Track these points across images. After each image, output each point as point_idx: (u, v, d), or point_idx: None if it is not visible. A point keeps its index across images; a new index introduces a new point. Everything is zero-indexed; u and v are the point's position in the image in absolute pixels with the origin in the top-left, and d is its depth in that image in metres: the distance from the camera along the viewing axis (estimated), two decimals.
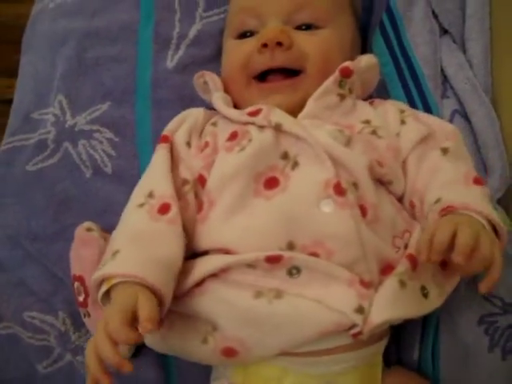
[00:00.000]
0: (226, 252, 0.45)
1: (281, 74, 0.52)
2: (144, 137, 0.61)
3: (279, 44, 0.50)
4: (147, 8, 0.67)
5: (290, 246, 0.44)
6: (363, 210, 0.45)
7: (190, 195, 0.49)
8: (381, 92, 0.60)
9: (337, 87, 0.51)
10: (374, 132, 0.50)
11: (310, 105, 0.50)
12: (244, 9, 0.56)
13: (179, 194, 0.48)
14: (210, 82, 0.56)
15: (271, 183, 0.46)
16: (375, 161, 0.47)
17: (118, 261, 0.42)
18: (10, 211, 0.62)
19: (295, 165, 0.47)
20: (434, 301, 0.46)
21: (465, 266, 0.39)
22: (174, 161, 0.51)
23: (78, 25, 0.67)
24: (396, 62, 0.60)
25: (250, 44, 0.53)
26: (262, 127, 0.48)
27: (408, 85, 0.59)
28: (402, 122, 0.52)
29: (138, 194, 0.49)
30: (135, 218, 0.47)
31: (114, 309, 0.39)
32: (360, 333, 0.41)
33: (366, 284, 0.43)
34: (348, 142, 0.47)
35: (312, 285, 0.43)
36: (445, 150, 0.49)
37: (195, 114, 0.55)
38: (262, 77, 0.53)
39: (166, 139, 0.52)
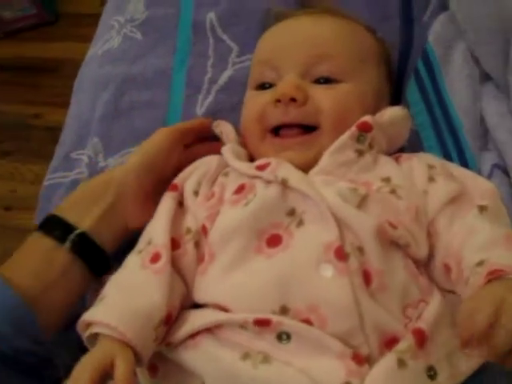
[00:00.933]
0: (221, 308, 0.44)
1: (296, 129, 0.51)
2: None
3: (293, 100, 0.49)
4: (182, 54, 0.69)
5: (283, 310, 0.42)
6: (367, 277, 0.42)
7: (190, 244, 0.48)
8: (414, 143, 0.56)
9: (354, 142, 0.48)
10: (393, 191, 0.46)
11: (325, 160, 0.48)
12: (262, 61, 0.55)
13: (180, 243, 0.48)
14: (223, 133, 0.56)
15: (274, 241, 0.44)
16: (388, 222, 0.44)
17: (101, 307, 0.43)
18: None
19: (300, 223, 0.45)
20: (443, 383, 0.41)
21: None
22: (182, 209, 0.51)
23: (119, 70, 0.71)
24: (431, 111, 0.56)
25: (266, 97, 0.52)
26: (268, 182, 0.47)
27: (443, 136, 0.54)
28: (431, 180, 0.48)
29: (141, 240, 0.50)
30: (129, 264, 0.48)
31: (86, 367, 0.39)
32: None
33: (359, 359, 0.39)
34: (361, 202, 0.45)
35: (301, 353, 0.40)
36: (482, 209, 0.45)
37: (208, 162, 0.54)
38: (277, 130, 0.52)
39: (174, 188, 0.52)
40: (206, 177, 0.52)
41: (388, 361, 0.39)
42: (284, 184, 0.46)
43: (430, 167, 0.49)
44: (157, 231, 0.49)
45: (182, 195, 0.52)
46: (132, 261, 0.48)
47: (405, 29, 0.62)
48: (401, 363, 0.39)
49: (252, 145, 0.54)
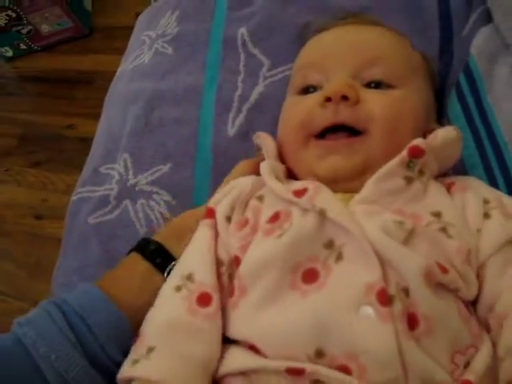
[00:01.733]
0: (253, 348, 0.41)
1: (343, 132, 0.46)
2: (201, 203, 0.57)
3: (344, 98, 0.45)
4: (212, 70, 0.67)
5: (319, 354, 0.38)
6: (413, 322, 0.38)
7: (225, 278, 0.45)
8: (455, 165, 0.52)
9: (403, 169, 0.44)
10: (443, 229, 0.42)
11: (369, 188, 0.44)
12: (308, 64, 0.52)
13: (220, 277, 0.45)
14: (263, 147, 0.52)
15: (310, 276, 0.40)
16: (437, 264, 0.39)
17: (153, 361, 0.40)
18: (69, 260, 0.65)
19: (339, 257, 0.40)
20: None
21: None
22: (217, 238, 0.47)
23: (148, 85, 0.71)
24: (473, 127, 0.52)
25: (312, 99, 0.48)
26: (305, 210, 0.43)
27: (487, 156, 0.51)
28: (486, 216, 0.43)
29: (177, 274, 0.46)
30: (171, 306, 0.43)
31: None
32: None
33: None
34: (408, 238, 0.40)
35: None
36: None
37: (243, 184, 0.50)
38: (322, 135, 0.47)
39: (210, 214, 0.48)
40: (239, 200, 0.48)
41: None
42: (322, 215, 0.41)
43: (486, 201, 0.44)
44: (200, 266, 0.45)
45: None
46: (172, 301, 0.44)
47: (445, 41, 0.60)
48: None
49: (292, 154, 0.50)
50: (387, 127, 0.45)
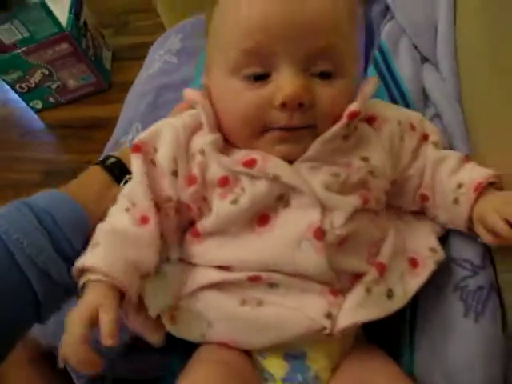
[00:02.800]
0: (222, 268, 0.50)
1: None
2: None
3: (301, 104, 0.45)
4: (201, 66, 0.90)
5: (272, 271, 0.49)
6: (342, 242, 0.49)
7: (171, 210, 0.51)
8: None
9: (343, 130, 0.48)
10: (371, 172, 0.51)
11: (315, 148, 0.48)
12: (251, 44, 0.45)
13: (160, 206, 0.51)
14: (205, 120, 0.50)
15: (263, 220, 0.49)
16: (362, 199, 0.50)
17: (96, 254, 0.46)
18: None
19: (286, 205, 0.49)
20: (398, 301, 0.50)
21: None
22: (158, 175, 0.51)
23: (157, 82, 0.95)
24: (386, 85, 0.73)
25: (263, 94, 0.46)
26: (254, 177, 0.48)
27: (396, 100, 0.71)
28: (401, 139, 0.54)
29: (123, 199, 0.51)
30: (119, 219, 0.50)
31: (78, 314, 0.41)
32: (330, 334, 0.47)
33: (335, 292, 0.48)
34: (342, 187, 0.49)
35: (289, 296, 0.49)
36: (435, 144, 0.56)
37: (173, 127, 0.52)
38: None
39: (138, 149, 0.51)
40: (179, 150, 0.51)
41: (358, 290, 0.49)
42: (275, 180, 0.47)
43: (399, 124, 0.54)
44: (138, 196, 0.50)
45: (149, 154, 0.52)
46: (122, 217, 0.49)
47: (369, 37, 0.83)
48: (368, 290, 0.48)
49: (239, 139, 0.51)
50: (332, 118, 0.48)
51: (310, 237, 0.47)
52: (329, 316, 0.47)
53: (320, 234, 0.47)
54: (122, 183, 0.55)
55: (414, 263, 0.53)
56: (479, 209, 0.50)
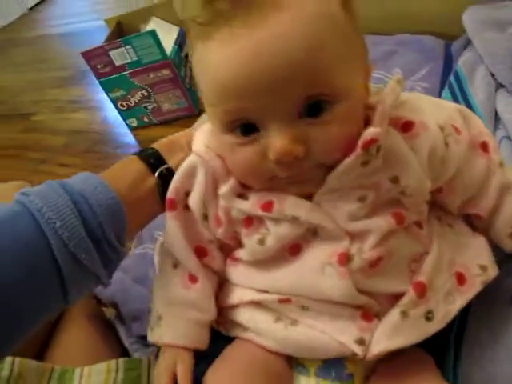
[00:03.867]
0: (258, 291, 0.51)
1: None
2: None
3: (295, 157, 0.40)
4: None
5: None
6: (374, 263, 0.45)
7: (216, 251, 0.53)
8: None
9: (361, 158, 0.41)
10: (402, 192, 0.45)
11: (331, 183, 0.43)
12: (232, 110, 0.40)
13: (207, 250, 0.52)
14: (218, 171, 0.47)
15: (295, 250, 0.48)
16: (396, 220, 0.45)
17: (165, 329, 0.52)
18: None
19: (315, 235, 0.47)
20: (438, 322, 0.46)
21: None
22: (195, 219, 0.51)
23: None
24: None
25: (256, 150, 0.41)
26: (276, 219, 0.46)
27: None
28: (446, 144, 0.46)
29: (168, 254, 0.54)
30: (171, 282, 0.53)
31: (161, 370, 0.50)
32: (363, 359, 0.46)
33: (368, 317, 0.46)
34: (371, 209, 0.45)
35: (321, 319, 0.48)
36: (501, 164, 0.50)
37: (202, 175, 0.49)
38: None
39: (172, 206, 0.51)
40: (207, 194, 0.49)
41: (393, 315, 0.45)
42: (296, 220, 0.45)
43: (441, 129, 0.46)
44: (182, 255, 0.52)
45: (183, 202, 0.51)
46: (173, 278, 0.53)
47: (448, 65, 0.88)
48: (404, 314, 0.45)
49: (251, 186, 0.47)
50: (338, 153, 0.41)
51: (333, 262, 0.45)
52: (361, 342, 0.46)
53: (344, 258, 0.45)
54: (156, 173, 0.54)
55: (461, 280, 0.48)
56: None
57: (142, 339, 0.68)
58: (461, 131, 0.47)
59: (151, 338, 0.54)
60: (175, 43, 1.97)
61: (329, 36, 0.38)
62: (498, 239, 0.53)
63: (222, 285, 0.55)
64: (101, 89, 1.98)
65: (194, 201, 0.50)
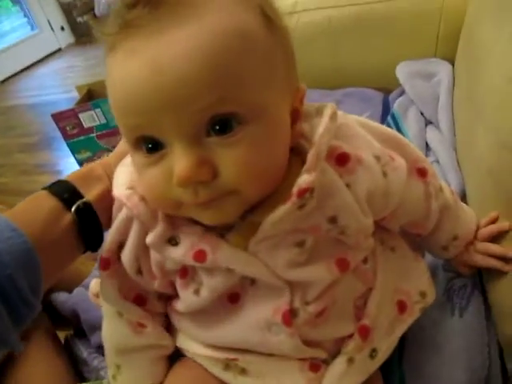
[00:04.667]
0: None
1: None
2: None
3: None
4: None
5: (245, 351, 0.48)
6: (320, 313, 0.45)
7: (155, 300, 0.51)
8: None
9: (296, 204, 0.38)
10: (342, 232, 0.42)
11: (265, 230, 0.40)
12: (131, 126, 0.38)
13: (146, 299, 0.50)
14: (141, 222, 0.44)
15: (233, 298, 0.46)
16: (338, 263, 0.43)
17: (125, 376, 0.53)
18: None
19: (253, 283, 0.45)
20: (381, 357, 0.48)
21: None
22: (127, 276, 0.48)
23: None
24: None
25: (161, 171, 0.38)
26: (210, 270, 0.43)
27: None
28: (384, 174, 0.44)
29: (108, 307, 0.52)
30: (121, 330, 0.51)
31: None
32: None
33: (315, 367, 0.46)
34: (312, 254, 0.43)
35: (269, 373, 0.47)
36: (434, 187, 0.51)
37: (136, 228, 0.45)
38: None
39: (106, 266, 0.47)
40: (139, 248, 0.45)
41: (339, 363, 0.46)
42: (231, 271, 0.43)
43: (377, 159, 0.44)
44: (123, 309, 0.50)
45: (117, 254, 0.47)
46: (121, 329, 0.51)
47: (385, 110, 1.00)
48: (350, 361, 0.46)
49: (163, 211, 0.43)
50: (255, 180, 0.37)
51: (279, 322, 0.43)
52: None
53: (289, 318, 0.43)
54: (73, 209, 0.46)
55: (402, 308, 0.50)
56: (464, 257, 0.58)
57: (99, 349, 0.69)
58: (396, 159, 0.46)
59: None
60: None
61: (237, 54, 0.35)
62: (431, 250, 0.60)
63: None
64: (66, 154, 2.05)
65: (126, 258, 0.46)
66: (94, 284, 0.66)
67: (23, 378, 0.64)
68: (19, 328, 0.40)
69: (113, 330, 0.53)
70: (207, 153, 0.36)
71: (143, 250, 0.46)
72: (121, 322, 0.51)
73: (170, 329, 0.53)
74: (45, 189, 0.47)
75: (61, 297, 0.78)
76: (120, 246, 0.47)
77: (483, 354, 0.55)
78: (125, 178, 0.45)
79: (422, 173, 0.50)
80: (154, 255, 0.45)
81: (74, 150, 2.04)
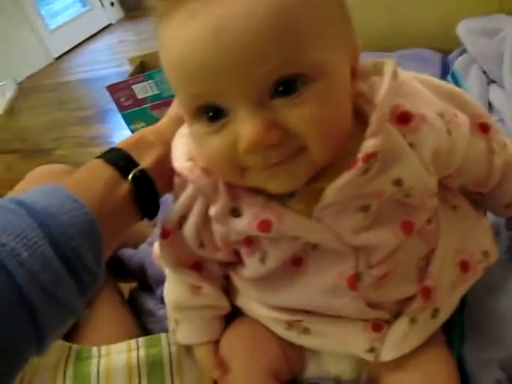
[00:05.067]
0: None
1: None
2: None
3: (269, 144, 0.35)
4: None
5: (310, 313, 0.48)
6: (383, 276, 0.44)
7: (215, 265, 0.52)
8: None
9: (362, 169, 0.38)
10: (406, 195, 0.42)
11: (330, 197, 0.39)
12: (195, 94, 0.37)
13: (202, 266, 0.52)
14: (203, 196, 0.45)
15: (297, 262, 0.46)
16: (402, 227, 0.43)
17: (184, 331, 0.55)
18: None
19: (316, 248, 0.44)
20: (443, 316, 0.48)
21: None
22: (185, 246, 0.49)
23: None
24: None
25: (225, 139, 0.37)
26: (275, 238, 0.44)
27: None
28: (448, 132, 0.42)
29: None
30: (181, 290, 0.53)
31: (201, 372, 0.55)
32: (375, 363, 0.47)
33: (378, 327, 0.47)
34: (376, 218, 0.42)
35: (334, 329, 0.48)
36: (499, 144, 0.49)
37: (199, 204, 0.46)
38: None
39: (166, 235, 0.49)
40: (202, 223, 0.46)
41: (402, 323, 0.46)
42: (297, 239, 0.43)
43: (441, 116, 0.42)
44: (179, 276, 0.52)
45: (178, 224, 0.48)
46: (180, 288, 0.53)
47: (443, 71, 0.98)
48: (412, 321, 0.46)
49: (230, 181, 0.42)
50: (322, 137, 0.36)
51: (343, 285, 0.44)
52: (371, 350, 0.47)
53: (354, 282, 0.44)
54: (129, 177, 0.46)
55: (464, 268, 0.49)
56: None
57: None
58: (459, 115, 0.45)
59: (177, 340, 0.56)
60: None
61: (300, 9, 0.34)
62: (492, 208, 0.57)
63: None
64: (120, 126, 2.11)
65: (188, 232, 0.48)
66: (157, 247, 0.70)
67: (91, 333, 0.66)
68: (85, 297, 0.41)
69: (172, 288, 0.55)
70: (273, 115, 0.35)
71: (205, 224, 0.47)
72: (180, 282, 0.53)
73: (229, 289, 0.55)
74: (99, 157, 0.47)
75: (128, 252, 0.82)
76: (182, 217, 0.48)
77: None
78: (183, 149, 0.45)
79: (484, 128, 0.48)
80: (217, 228, 0.46)
81: (129, 121, 2.10)
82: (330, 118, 0.36)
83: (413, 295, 0.46)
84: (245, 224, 0.42)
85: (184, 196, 0.47)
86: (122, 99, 2.01)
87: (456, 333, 0.55)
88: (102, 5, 4.30)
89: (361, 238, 0.42)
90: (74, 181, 0.45)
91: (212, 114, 0.37)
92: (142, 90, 2.01)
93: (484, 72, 0.88)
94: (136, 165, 0.47)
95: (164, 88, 1.97)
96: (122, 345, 0.59)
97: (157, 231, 0.86)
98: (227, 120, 0.37)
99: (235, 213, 0.43)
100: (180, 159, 0.44)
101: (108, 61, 3.46)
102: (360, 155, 0.37)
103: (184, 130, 0.47)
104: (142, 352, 0.59)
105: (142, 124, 2.12)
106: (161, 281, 0.72)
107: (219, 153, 0.38)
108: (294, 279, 0.46)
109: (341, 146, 0.38)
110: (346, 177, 0.38)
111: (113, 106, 1.98)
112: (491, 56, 0.87)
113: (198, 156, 0.43)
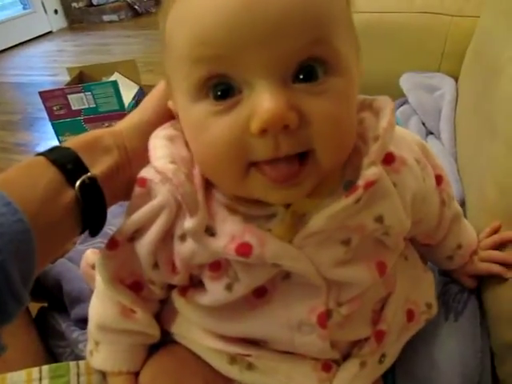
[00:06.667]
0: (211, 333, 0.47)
1: (286, 160, 0.34)
2: None
3: (285, 126, 0.32)
4: None
5: (264, 343, 0.46)
6: (347, 315, 0.44)
7: (156, 288, 0.47)
8: None
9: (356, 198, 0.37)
10: (385, 233, 0.41)
11: (320, 224, 0.37)
12: (213, 57, 0.33)
13: (142, 285, 0.47)
14: (183, 203, 0.39)
15: (260, 292, 0.43)
16: (380, 270, 0.42)
17: (102, 355, 0.50)
18: None
19: (286, 277, 0.42)
20: (388, 362, 0.49)
21: None
22: (135, 259, 0.44)
23: None
24: None
25: (235, 119, 0.33)
26: (250, 264, 0.39)
27: None
28: (423, 179, 0.44)
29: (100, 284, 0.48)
30: (109, 307, 0.48)
31: None
32: None
33: (328, 367, 0.45)
34: (355, 254, 0.41)
35: (280, 367, 0.46)
36: (449, 196, 0.51)
37: (163, 221, 0.41)
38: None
39: (114, 246, 0.44)
40: (161, 242, 0.42)
41: (352, 366, 0.45)
42: (276, 266, 0.39)
43: (418, 162, 0.43)
44: (114, 293, 0.47)
45: (126, 241, 0.44)
46: (111, 305, 0.48)
47: None
48: (362, 364, 0.45)
49: (222, 185, 0.39)
50: (332, 140, 0.35)
51: (313, 323, 0.42)
52: None
53: (324, 319, 0.42)
54: (77, 184, 0.39)
55: (411, 317, 0.50)
56: (467, 267, 0.58)
57: (79, 322, 0.66)
58: (428, 165, 0.46)
59: (92, 363, 0.51)
60: (133, 99, 2.06)
61: None
62: (435, 260, 0.59)
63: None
64: (49, 136, 1.98)
65: (144, 249, 0.43)
66: (91, 254, 0.63)
67: None
68: (4, 325, 0.34)
69: (100, 304, 0.50)
70: (295, 99, 0.33)
71: (165, 241, 0.42)
72: (111, 300, 0.48)
73: (164, 314, 0.51)
74: (42, 154, 0.40)
75: None
76: (137, 231, 0.43)
77: (476, 359, 0.54)
78: (163, 150, 0.40)
79: (438, 180, 0.49)
80: (181, 247, 0.41)
81: (59, 132, 1.99)
82: (342, 120, 0.35)
83: (366, 337, 0.46)
84: (221, 245, 0.38)
85: (147, 208, 0.42)
86: (55, 108, 1.90)
87: (388, 380, 0.55)
88: (45, 11, 4.14)
89: (338, 272, 0.41)
90: (8, 179, 0.37)
91: (221, 91, 0.34)
92: (78, 101, 1.91)
93: (423, 123, 0.92)
94: (86, 170, 0.40)
95: (101, 103, 1.90)
96: (21, 374, 0.51)
97: (77, 247, 0.80)
98: (239, 98, 0.34)
99: (208, 232, 0.39)
100: (161, 160, 0.39)
101: (44, 68, 3.30)
102: (361, 183, 0.36)
103: (162, 132, 0.43)
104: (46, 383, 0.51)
105: (72, 137, 2.00)
106: (77, 300, 0.66)
107: (226, 136, 0.34)
108: (255, 309, 0.43)
109: (344, 159, 0.38)
110: (340, 204, 0.37)
111: (43, 114, 1.87)
112: (430, 109, 0.92)
113: (197, 145, 0.38)
